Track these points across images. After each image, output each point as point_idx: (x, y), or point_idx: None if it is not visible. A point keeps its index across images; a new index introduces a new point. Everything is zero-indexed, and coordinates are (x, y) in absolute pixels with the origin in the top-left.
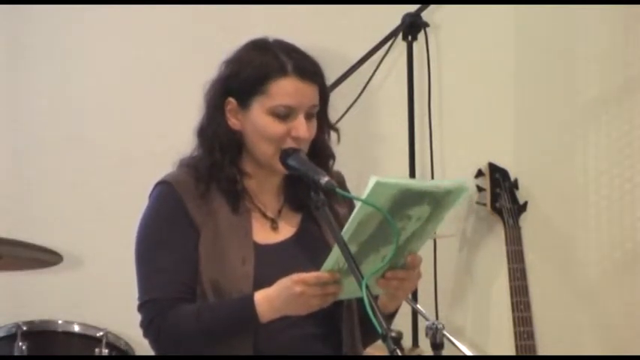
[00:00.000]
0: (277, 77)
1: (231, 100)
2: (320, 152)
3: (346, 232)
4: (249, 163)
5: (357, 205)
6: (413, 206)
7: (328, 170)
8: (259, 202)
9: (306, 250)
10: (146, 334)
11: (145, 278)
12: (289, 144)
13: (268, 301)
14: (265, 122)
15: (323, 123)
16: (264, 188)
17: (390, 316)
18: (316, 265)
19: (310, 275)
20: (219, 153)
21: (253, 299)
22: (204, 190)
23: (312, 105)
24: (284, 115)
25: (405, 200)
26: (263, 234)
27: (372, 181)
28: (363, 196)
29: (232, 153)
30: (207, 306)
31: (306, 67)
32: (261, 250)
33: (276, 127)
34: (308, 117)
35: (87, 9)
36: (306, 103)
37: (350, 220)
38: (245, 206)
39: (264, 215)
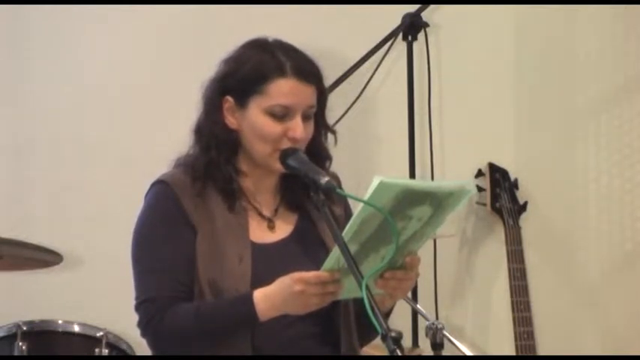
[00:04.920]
0: (275, 77)
1: (229, 98)
2: (317, 153)
3: (348, 230)
4: (246, 163)
5: (359, 204)
6: (414, 207)
7: (325, 171)
8: (255, 202)
9: (302, 249)
10: (144, 334)
11: (142, 278)
12: (285, 144)
13: (268, 299)
14: (262, 122)
15: (320, 124)
16: (260, 187)
17: (386, 315)
18: (313, 264)
19: (310, 274)
20: (216, 151)
21: (252, 297)
22: (200, 189)
23: (310, 106)
24: (281, 115)
25: (407, 200)
26: (260, 233)
27: (375, 181)
28: (367, 196)
29: (229, 152)
30: (206, 304)
31: (305, 68)
32: (257, 248)
33: (272, 127)
34: (305, 118)
35: (87, 9)
36: (303, 103)
37: (353, 218)
38: (241, 205)
39: (261, 214)
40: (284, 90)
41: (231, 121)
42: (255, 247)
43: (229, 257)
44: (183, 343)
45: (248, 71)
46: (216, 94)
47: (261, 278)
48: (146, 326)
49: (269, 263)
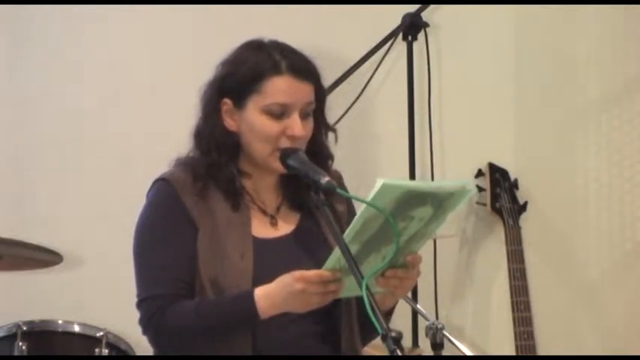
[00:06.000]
0: (271, 75)
1: (227, 100)
2: (318, 152)
3: (350, 230)
4: (247, 164)
5: (362, 204)
6: (416, 207)
7: (327, 170)
8: (258, 200)
9: (304, 246)
10: (145, 331)
11: (144, 275)
12: (285, 143)
13: (268, 297)
14: (260, 121)
15: (320, 123)
16: (262, 187)
17: (388, 314)
18: (315, 262)
19: (312, 273)
20: (216, 154)
21: (253, 295)
22: (201, 187)
23: (307, 103)
24: (279, 113)
25: (409, 201)
26: (262, 229)
27: (378, 183)
28: (369, 197)
29: (229, 154)
30: (207, 302)
31: (300, 66)
32: (259, 244)
33: (271, 126)
34: (304, 116)
35: (87, 9)
36: (300, 100)
37: (355, 219)
38: (244, 203)
39: (263, 212)
40: (280, 87)
41: (230, 123)
42: (256, 241)
43: (231, 253)
44: (183, 341)
45: (244, 72)
46: (214, 97)
47: (263, 274)
48: (147, 323)
49: (270, 259)
